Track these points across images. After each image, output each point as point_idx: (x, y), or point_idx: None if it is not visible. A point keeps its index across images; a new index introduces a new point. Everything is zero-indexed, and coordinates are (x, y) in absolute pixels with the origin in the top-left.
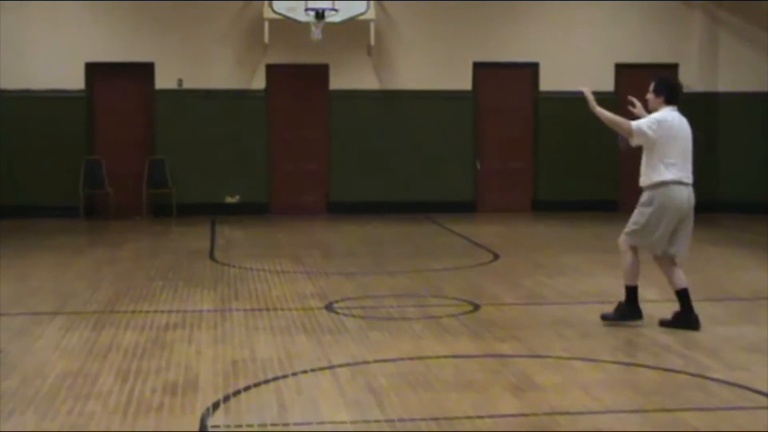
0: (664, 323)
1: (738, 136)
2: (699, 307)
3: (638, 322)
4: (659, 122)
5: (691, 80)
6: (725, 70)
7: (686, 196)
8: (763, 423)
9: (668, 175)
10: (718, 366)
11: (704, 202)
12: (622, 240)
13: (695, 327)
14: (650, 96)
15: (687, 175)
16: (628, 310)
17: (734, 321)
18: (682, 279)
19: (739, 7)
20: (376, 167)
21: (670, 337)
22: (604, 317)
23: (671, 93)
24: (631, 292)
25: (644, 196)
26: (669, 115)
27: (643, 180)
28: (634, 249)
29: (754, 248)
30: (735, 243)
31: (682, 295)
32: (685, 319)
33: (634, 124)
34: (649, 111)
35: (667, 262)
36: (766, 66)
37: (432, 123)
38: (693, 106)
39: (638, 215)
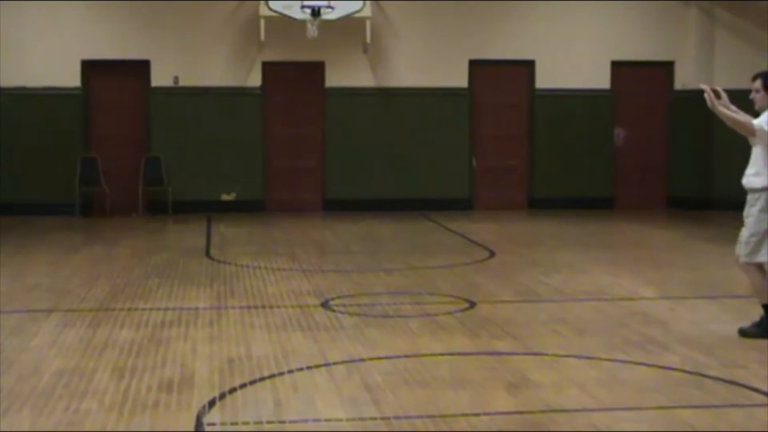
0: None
1: (734, 134)
2: (695, 305)
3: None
4: None
5: (687, 78)
6: (721, 67)
7: None
8: (759, 421)
9: None
10: (714, 363)
11: (700, 200)
12: (745, 259)
13: None
14: (757, 95)
15: None
16: None
17: (731, 318)
18: None
19: (735, 4)
20: (372, 165)
21: (666, 335)
22: (744, 332)
23: None
24: None
25: (759, 201)
26: None
27: (758, 182)
28: (761, 266)
29: None
30: (731, 241)
31: None
32: None
33: (755, 122)
34: (756, 110)
35: (755, 268)
36: (762, 63)
37: (428, 121)
38: (689, 103)
39: (757, 224)
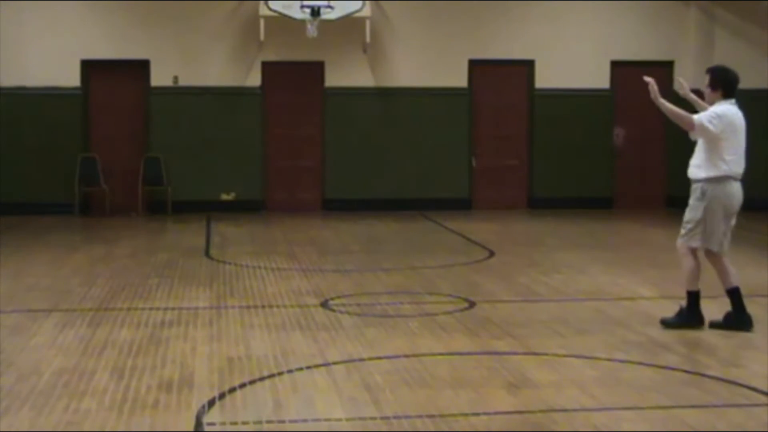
0: (714, 325)
1: None
2: None
3: (701, 328)
4: (720, 116)
5: (687, 77)
6: None
7: (739, 191)
8: (759, 420)
9: (725, 169)
10: (714, 363)
11: None
12: (681, 243)
13: (740, 328)
14: (707, 90)
15: (741, 171)
16: (691, 315)
17: None
18: (735, 276)
19: (735, 4)
20: (371, 164)
21: (665, 335)
22: (665, 322)
23: (728, 87)
24: (694, 297)
25: (696, 190)
26: (729, 109)
27: (697, 173)
28: (694, 252)
29: (751, 246)
30: (731, 240)
31: (734, 295)
32: (739, 320)
33: (695, 118)
34: (707, 103)
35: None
36: (762, 63)
37: (428, 120)
38: (689, 103)
39: (692, 211)
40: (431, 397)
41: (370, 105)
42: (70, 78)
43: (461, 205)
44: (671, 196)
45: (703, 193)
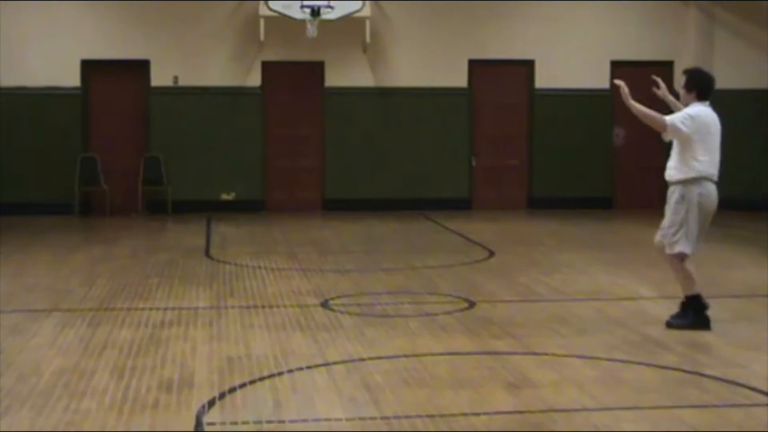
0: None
1: (733, 134)
2: None
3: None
4: (693, 118)
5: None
6: (721, 67)
7: (714, 193)
8: (759, 420)
9: (700, 170)
10: (714, 363)
11: None
12: (670, 252)
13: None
14: (682, 92)
15: (716, 173)
16: (698, 318)
17: (730, 318)
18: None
19: (735, 4)
20: (371, 164)
21: (665, 335)
22: (671, 324)
23: (703, 89)
24: (696, 300)
25: (674, 193)
26: (702, 111)
27: (672, 174)
28: (682, 258)
29: (750, 245)
30: (730, 240)
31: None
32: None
33: (668, 119)
34: (682, 104)
35: (677, 260)
36: (762, 63)
37: (427, 120)
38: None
39: (674, 215)
40: (431, 397)
41: (370, 105)
42: (70, 78)
43: (461, 205)
44: None
45: (682, 196)
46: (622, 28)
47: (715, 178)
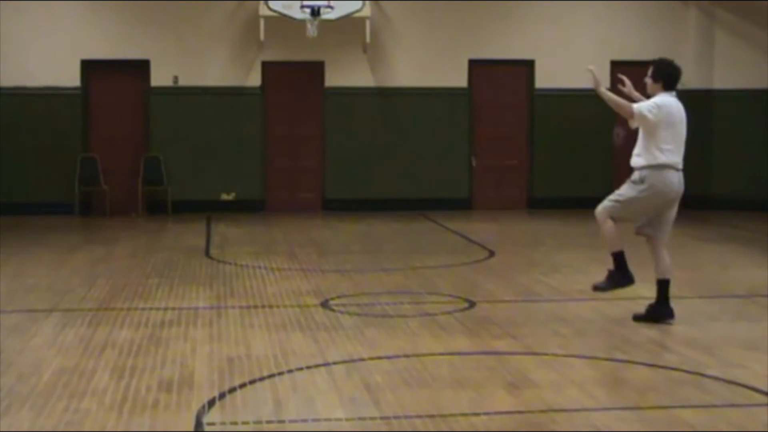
0: (637, 317)
1: (733, 134)
2: (694, 305)
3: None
4: (659, 107)
5: (686, 77)
6: (720, 67)
7: (677, 181)
8: (759, 421)
9: (663, 158)
10: (714, 363)
11: (699, 199)
12: (601, 210)
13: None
14: (649, 81)
15: (680, 161)
16: (621, 276)
17: (730, 318)
18: (668, 269)
19: (735, 4)
20: (371, 164)
21: (665, 335)
22: (597, 287)
23: (669, 79)
24: (619, 257)
25: (635, 175)
26: (668, 100)
27: (637, 161)
28: (613, 218)
29: (749, 245)
30: (730, 240)
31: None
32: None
33: (635, 107)
34: (647, 95)
35: (657, 245)
36: (762, 63)
37: (427, 120)
38: (688, 103)
39: (627, 189)
40: (431, 397)
41: (370, 105)
42: (70, 78)
43: (461, 205)
44: None
45: (642, 179)
46: (622, 28)
47: (680, 166)
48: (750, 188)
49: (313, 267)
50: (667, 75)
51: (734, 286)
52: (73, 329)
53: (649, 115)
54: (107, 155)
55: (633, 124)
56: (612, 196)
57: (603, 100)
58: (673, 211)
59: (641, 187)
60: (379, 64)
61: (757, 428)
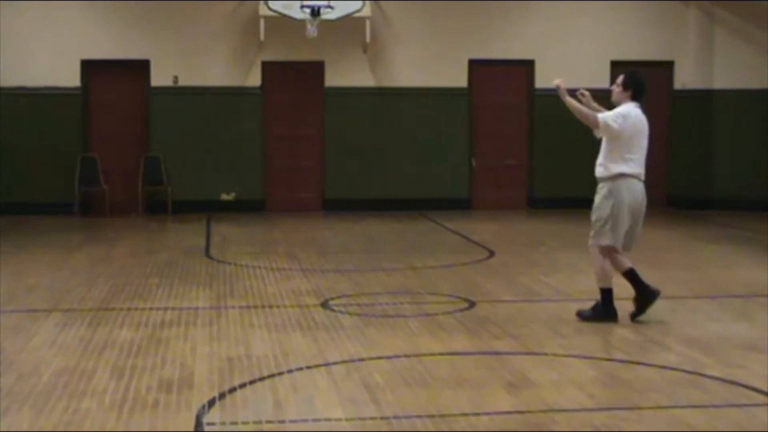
0: (583, 316)
1: (733, 134)
2: (695, 305)
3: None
4: (624, 117)
5: (686, 77)
6: (721, 67)
7: (641, 191)
8: (759, 421)
9: (626, 168)
10: (713, 363)
11: (699, 199)
12: (593, 244)
13: (653, 300)
14: (617, 89)
15: (642, 172)
16: (605, 310)
17: (730, 318)
18: (627, 260)
19: (735, 4)
20: (371, 164)
21: (666, 335)
22: (580, 315)
23: (639, 90)
24: (607, 294)
25: (602, 189)
26: (633, 111)
27: (601, 171)
28: (604, 251)
29: (750, 245)
30: (730, 240)
31: (632, 276)
32: (646, 296)
33: (600, 116)
34: (612, 102)
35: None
36: (762, 63)
37: (427, 120)
38: (688, 103)
39: (599, 210)
40: (431, 397)
41: (370, 105)
42: (70, 78)
43: (461, 205)
44: (671, 196)
45: (610, 192)
46: (622, 28)
47: (642, 177)
48: (750, 188)
49: (313, 267)
50: (639, 85)
51: (734, 286)
52: (73, 329)
53: (614, 125)
54: (107, 155)
55: (598, 134)
56: (593, 227)
57: (568, 108)
58: (640, 223)
59: (611, 201)
60: (379, 64)
61: (757, 428)
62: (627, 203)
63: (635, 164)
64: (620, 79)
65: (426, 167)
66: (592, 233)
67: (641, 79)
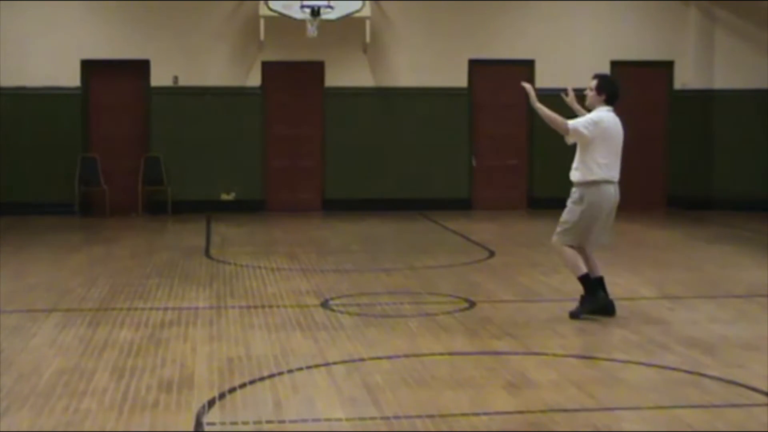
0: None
1: (733, 134)
2: (695, 305)
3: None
4: (595, 123)
5: (686, 77)
6: (721, 67)
7: (614, 193)
8: (758, 421)
9: (600, 174)
10: (713, 363)
11: (699, 199)
12: (556, 240)
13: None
14: (591, 93)
15: (616, 174)
16: (593, 298)
17: (730, 318)
18: (598, 267)
19: (735, 4)
20: (371, 164)
21: (666, 335)
22: (572, 314)
23: (612, 94)
24: (586, 279)
25: (575, 194)
26: (605, 116)
27: (575, 176)
28: (572, 246)
29: (750, 245)
30: (730, 240)
31: (599, 283)
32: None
33: (570, 123)
34: (586, 106)
35: (564, 247)
36: (762, 63)
37: (427, 120)
38: (689, 103)
39: (569, 213)
40: (431, 397)
41: (370, 105)
42: (70, 78)
43: (461, 205)
44: (671, 196)
45: (581, 198)
46: (622, 28)
47: (616, 180)
48: (750, 188)
49: (312, 267)
50: (611, 89)
51: (734, 286)
52: (73, 329)
53: (585, 131)
54: (107, 155)
55: (569, 140)
56: (560, 225)
57: (539, 114)
58: (611, 220)
59: (582, 207)
60: (379, 64)
61: (756, 428)
62: (599, 207)
63: (608, 168)
64: (594, 83)
65: (426, 167)
66: (558, 230)
67: (614, 84)
